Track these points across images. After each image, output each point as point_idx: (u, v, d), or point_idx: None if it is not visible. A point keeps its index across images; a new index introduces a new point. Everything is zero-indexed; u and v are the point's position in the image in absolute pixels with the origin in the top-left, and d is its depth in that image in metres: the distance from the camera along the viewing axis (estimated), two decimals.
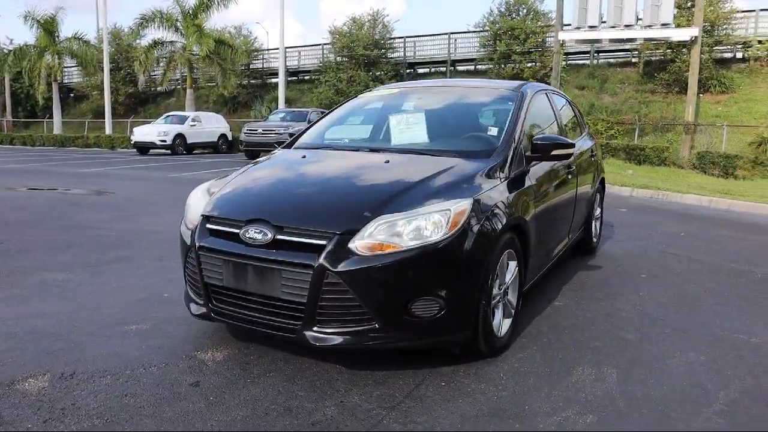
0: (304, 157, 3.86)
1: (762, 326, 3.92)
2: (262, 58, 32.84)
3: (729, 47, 26.48)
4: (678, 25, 21.27)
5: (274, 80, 31.23)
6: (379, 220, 2.88)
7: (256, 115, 27.22)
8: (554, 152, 3.76)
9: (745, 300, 4.49)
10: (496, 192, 3.27)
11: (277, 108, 24.54)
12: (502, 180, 3.41)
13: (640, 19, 20.10)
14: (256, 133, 17.67)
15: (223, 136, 24.42)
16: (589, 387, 2.95)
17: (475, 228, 2.98)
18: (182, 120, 23.20)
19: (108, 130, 29.52)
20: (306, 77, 31.81)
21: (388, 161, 3.57)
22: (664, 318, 4.03)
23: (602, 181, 6.21)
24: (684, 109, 21.16)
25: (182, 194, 4.39)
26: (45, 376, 2.92)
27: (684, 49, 25.48)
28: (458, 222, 2.92)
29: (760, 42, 25.95)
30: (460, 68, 30.77)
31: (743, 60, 26.88)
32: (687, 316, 4.10)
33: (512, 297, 3.43)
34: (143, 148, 22.38)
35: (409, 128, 4.09)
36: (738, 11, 25.71)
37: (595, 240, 5.99)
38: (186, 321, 3.75)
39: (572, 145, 3.88)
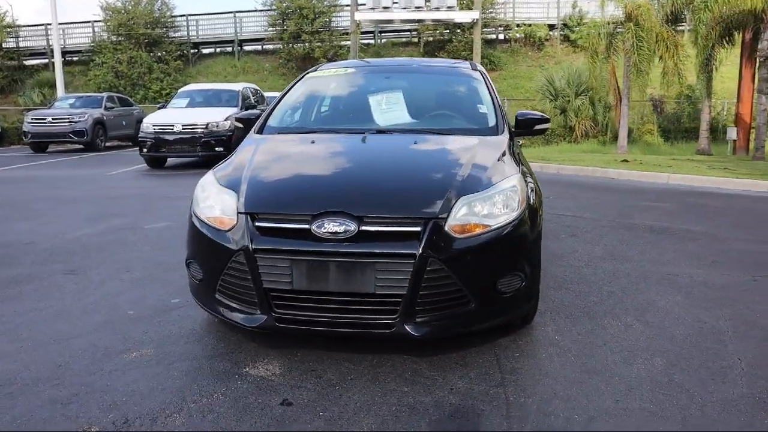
0: (313, 142, 3.51)
1: (686, 265, 4.68)
2: (17, 37, 28.21)
3: (493, 29, 29.81)
4: (461, 8, 23.18)
5: (34, 62, 27.15)
6: (463, 200, 2.79)
7: (26, 102, 23.41)
8: (536, 127, 3.95)
9: (655, 245, 5.27)
10: (520, 167, 3.37)
11: (54, 94, 21.37)
12: (515, 155, 3.52)
13: (429, 2, 21.53)
14: (44, 123, 15.24)
15: None
16: (623, 332, 3.27)
17: (532, 201, 3.06)
18: None
19: None
20: (75, 58, 28.16)
21: (416, 142, 3.44)
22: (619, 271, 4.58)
23: None
24: None
25: None
26: None
27: (459, 30, 28.06)
28: (524, 197, 2.97)
29: (518, 25, 29.63)
30: (247, 48, 29.94)
31: (505, 41, 30.43)
32: (615, 265, 4.70)
33: None
34: None
35: (390, 108, 3.96)
36: None
37: None
38: (190, 337, 3.23)
39: (549, 120, 4.13)
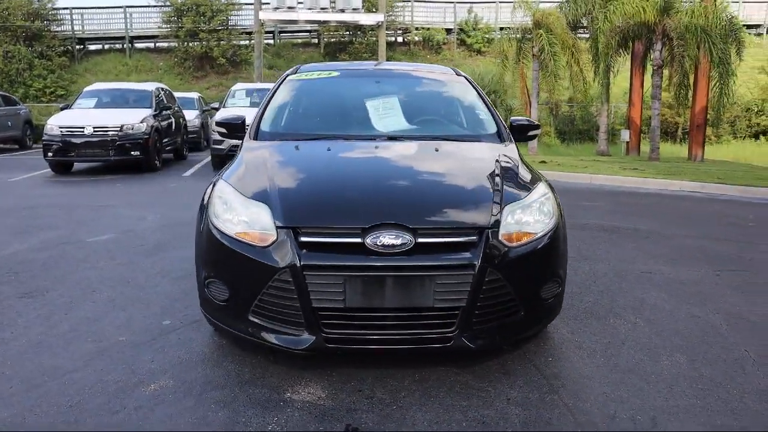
0: (329, 149, 3.33)
1: (652, 263, 4.98)
2: None
3: (392, 32, 30.21)
4: (367, 11, 23.28)
5: None
6: (508, 209, 2.77)
7: None
8: (529, 133, 4.01)
9: (615, 244, 5.56)
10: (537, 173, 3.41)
11: None
12: (525, 161, 3.56)
13: (334, 3, 21.42)
14: None
15: None
16: (633, 331, 3.43)
17: (560, 208, 3.12)
18: None
19: None
20: None
21: (437, 149, 3.36)
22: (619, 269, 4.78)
23: None
24: None
25: None
26: None
27: (359, 32, 28.17)
28: (556, 204, 3.02)
29: (417, 29, 30.25)
30: (139, 45, 28.32)
31: (404, 44, 30.96)
32: (591, 266, 4.92)
33: None
34: None
35: (386, 114, 3.87)
36: (399, 0, 29.39)
37: None
38: (205, 362, 2.97)
39: (540, 126, 4.21)
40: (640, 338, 3.35)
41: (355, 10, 21.50)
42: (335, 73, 4.36)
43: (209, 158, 13.27)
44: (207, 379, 2.81)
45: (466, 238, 2.62)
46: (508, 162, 3.26)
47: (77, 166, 11.17)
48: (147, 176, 10.30)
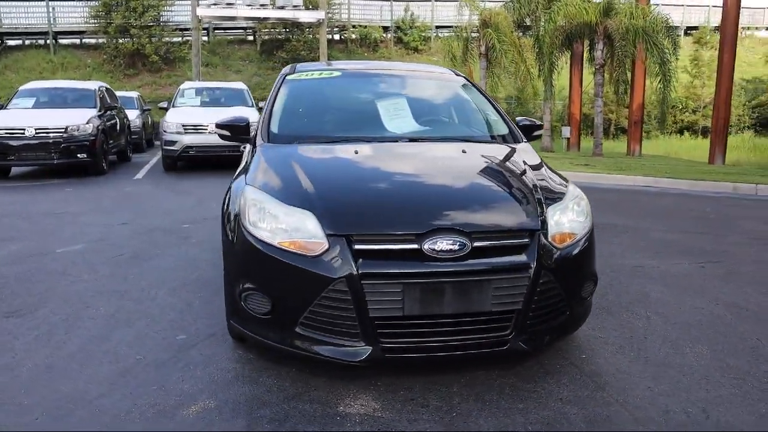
0: (356, 152, 3.23)
1: (640, 257, 5.15)
2: None
3: (329, 29, 29.98)
4: (307, 8, 23.00)
5: None
6: (550, 211, 2.79)
7: None
8: (534, 133, 4.05)
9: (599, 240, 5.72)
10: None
11: None
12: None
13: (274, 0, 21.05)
14: None
15: None
16: (649, 324, 3.55)
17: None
18: None
19: None
20: None
21: (465, 151, 3.33)
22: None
23: None
24: None
25: None
26: None
27: (297, 30, 27.82)
28: (588, 203, 3.07)
29: (354, 27, 30.18)
30: (64, 41, 26.91)
31: (341, 41, 30.83)
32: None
33: None
34: None
35: (397, 115, 3.82)
36: None
37: None
38: (240, 379, 2.82)
39: (543, 126, 4.26)
40: (659, 332, 3.45)
41: (295, 7, 21.24)
42: (336, 73, 4.26)
43: (156, 159, 12.82)
44: (248, 397, 2.68)
45: (519, 241, 2.62)
46: (533, 163, 3.29)
47: (14, 170, 10.47)
48: (96, 180, 9.77)
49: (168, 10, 26.64)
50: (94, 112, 10.34)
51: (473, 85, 4.26)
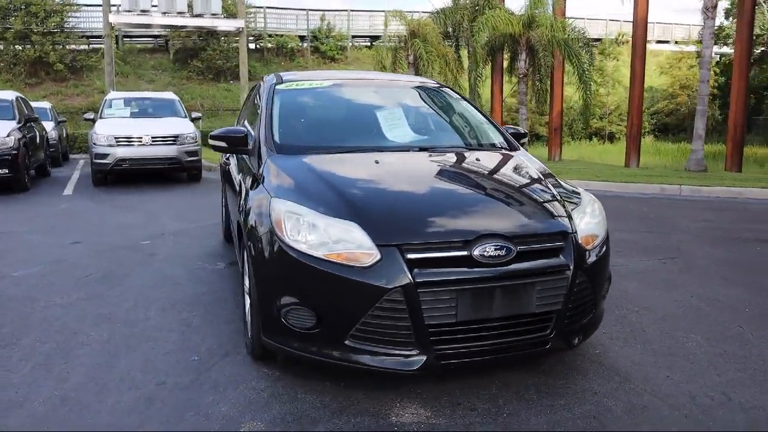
0: (377, 162, 3.22)
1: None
2: None
3: (248, 38, 29.48)
4: (225, 16, 22.48)
5: None
6: (574, 214, 2.93)
7: None
8: (521, 141, 4.23)
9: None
10: None
11: None
12: None
13: (191, 7, 20.44)
14: None
15: None
16: (646, 318, 3.79)
17: None
18: None
19: None
20: None
21: (479, 159, 3.42)
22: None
23: None
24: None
25: None
26: None
27: (213, 38, 27.14)
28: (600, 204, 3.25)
29: (270, 36, 29.86)
30: None
31: (257, 50, 30.35)
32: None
33: None
34: None
35: (395, 124, 3.86)
36: (252, 6, 28.74)
37: None
38: (278, 398, 2.75)
39: (527, 134, 4.44)
40: (653, 324, 3.69)
41: (214, 15, 20.68)
42: (327, 83, 4.25)
43: (77, 174, 12.10)
44: (297, 416, 2.62)
45: (556, 244, 2.74)
46: (542, 169, 3.43)
47: None
48: (19, 197, 9.08)
49: (73, 17, 25.23)
50: (14, 124, 9.63)
51: (459, 95, 4.37)
